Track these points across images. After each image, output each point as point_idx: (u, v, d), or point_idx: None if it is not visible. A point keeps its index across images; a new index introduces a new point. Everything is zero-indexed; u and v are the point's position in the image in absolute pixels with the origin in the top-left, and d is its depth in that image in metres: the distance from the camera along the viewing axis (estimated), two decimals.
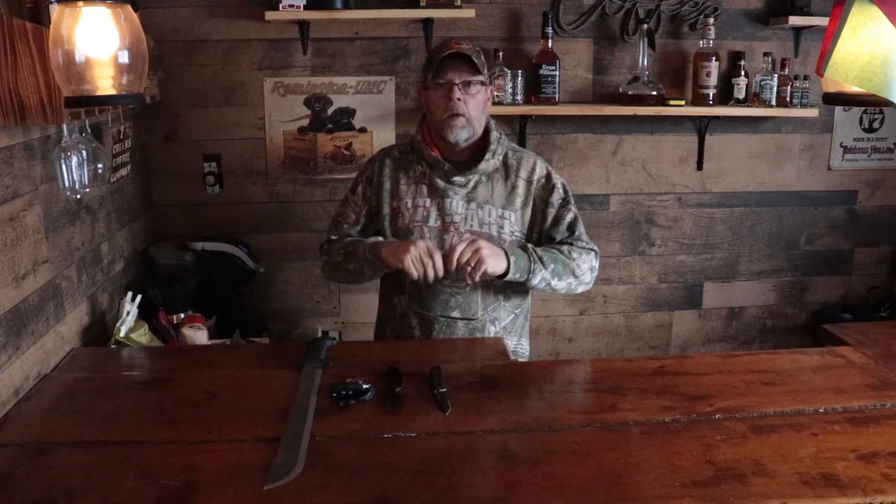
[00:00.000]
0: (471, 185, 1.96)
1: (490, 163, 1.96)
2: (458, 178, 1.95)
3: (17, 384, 1.62)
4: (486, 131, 1.99)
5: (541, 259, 1.89)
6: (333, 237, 2.05)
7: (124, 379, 1.74)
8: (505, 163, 2.00)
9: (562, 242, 1.98)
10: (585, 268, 1.97)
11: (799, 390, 1.61)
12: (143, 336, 2.14)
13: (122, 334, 2.08)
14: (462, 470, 1.29)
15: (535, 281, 1.89)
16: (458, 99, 1.87)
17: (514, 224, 1.98)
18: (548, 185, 2.01)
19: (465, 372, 1.71)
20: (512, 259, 1.84)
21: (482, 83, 1.91)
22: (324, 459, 1.32)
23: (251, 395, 1.59)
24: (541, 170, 2.02)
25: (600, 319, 3.32)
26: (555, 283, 1.93)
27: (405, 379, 1.62)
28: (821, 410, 1.51)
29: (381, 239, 1.95)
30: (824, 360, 1.79)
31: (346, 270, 1.98)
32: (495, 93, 2.86)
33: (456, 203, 1.95)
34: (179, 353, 2.06)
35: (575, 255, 1.95)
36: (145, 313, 2.28)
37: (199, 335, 2.30)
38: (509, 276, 1.85)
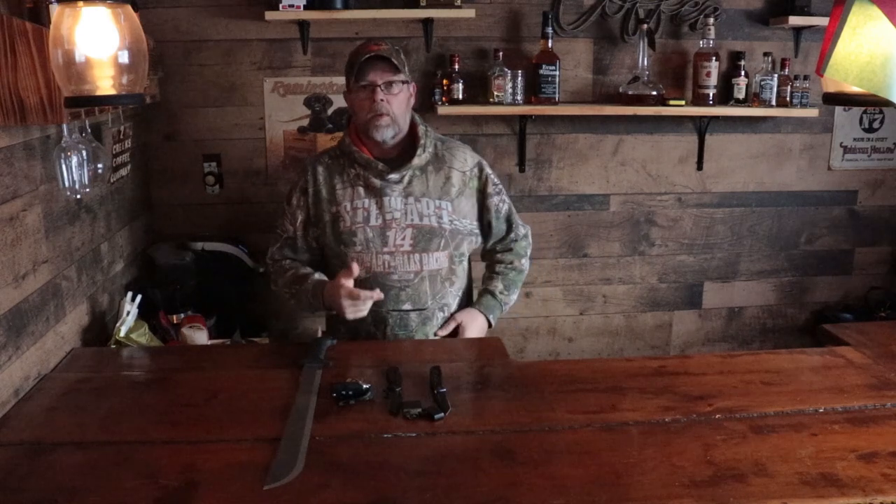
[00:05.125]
0: (406, 180, 2.00)
1: (422, 157, 2.01)
2: (392, 176, 1.98)
3: (17, 384, 1.62)
4: (413, 126, 2.04)
5: (506, 295, 2.15)
6: (277, 257, 2.12)
7: (124, 379, 1.74)
8: (436, 154, 2.05)
9: (507, 249, 2.18)
10: (527, 262, 2.22)
11: (799, 390, 1.61)
12: (143, 336, 2.15)
13: (122, 334, 2.08)
14: (462, 470, 1.29)
15: (505, 311, 2.18)
16: (382, 100, 1.92)
17: (451, 213, 2.03)
18: (481, 176, 2.10)
19: (465, 372, 1.72)
20: (491, 318, 2.11)
21: (404, 82, 1.97)
22: (324, 459, 1.32)
23: (251, 395, 1.59)
24: (472, 160, 2.10)
25: (600, 319, 3.32)
26: (515, 298, 2.20)
27: (405, 379, 1.62)
28: (821, 410, 1.51)
29: (317, 277, 2.00)
30: (824, 360, 1.79)
31: (295, 304, 2.12)
32: (495, 92, 2.86)
33: (394, 200, 1.99)
34: (179, 353, 2.06)
35: (524, 262, 2.21)
36: (145, 313, 2.28)
37: (199, 335, 2.30)
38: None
